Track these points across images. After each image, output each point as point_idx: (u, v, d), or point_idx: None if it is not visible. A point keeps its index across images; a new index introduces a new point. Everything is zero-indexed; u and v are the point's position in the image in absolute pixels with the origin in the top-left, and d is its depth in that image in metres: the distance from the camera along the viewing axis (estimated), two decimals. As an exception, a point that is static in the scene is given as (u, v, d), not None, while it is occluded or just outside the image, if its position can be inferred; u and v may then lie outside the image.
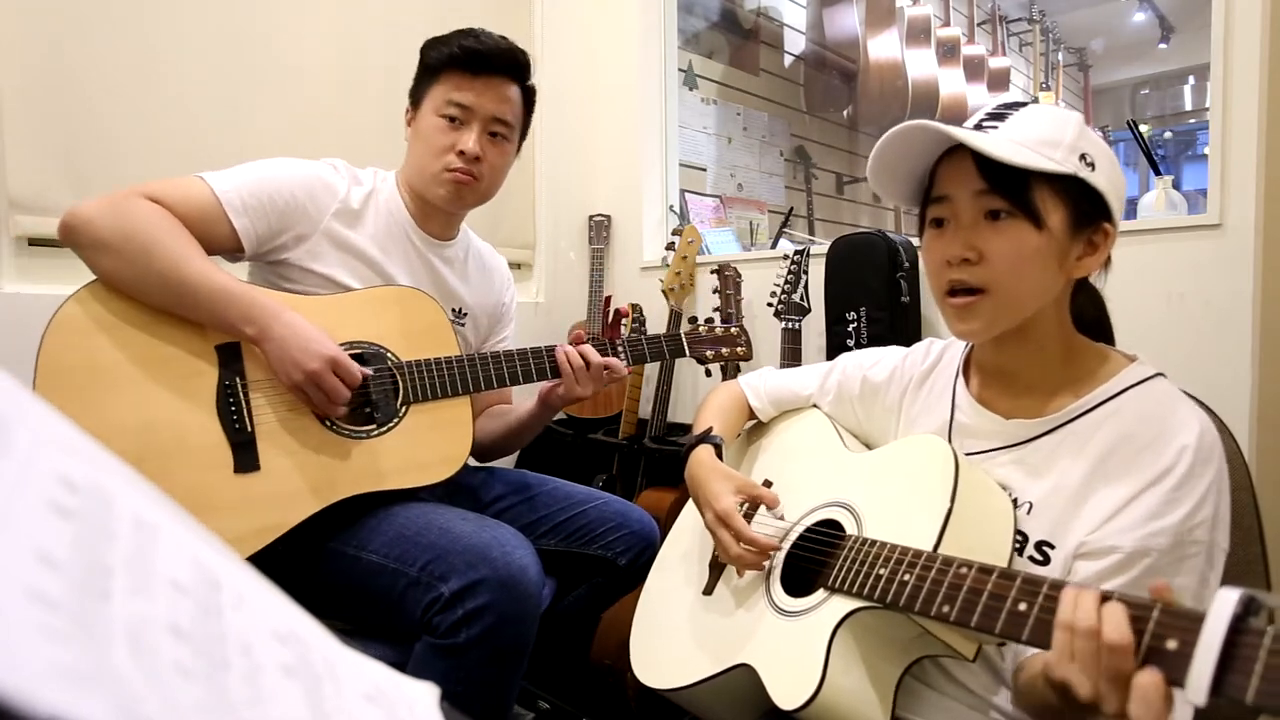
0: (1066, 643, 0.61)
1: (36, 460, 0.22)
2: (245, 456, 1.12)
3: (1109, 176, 0.83)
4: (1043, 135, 0.81)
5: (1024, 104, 0.86)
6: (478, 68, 1.29)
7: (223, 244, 1.20)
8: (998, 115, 0.85)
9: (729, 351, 1.50)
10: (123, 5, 1.68)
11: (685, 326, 1.51)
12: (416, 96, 1.35)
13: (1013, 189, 0.81)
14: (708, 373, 1.55)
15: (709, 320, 1.53)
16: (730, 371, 2.02)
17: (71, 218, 1.10)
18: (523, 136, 1.41)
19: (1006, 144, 0.80)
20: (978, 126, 0.85)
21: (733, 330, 1.51)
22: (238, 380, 1.14)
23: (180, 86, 1.77)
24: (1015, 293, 0.83)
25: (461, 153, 1.28)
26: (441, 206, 1.34)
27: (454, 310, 1.42)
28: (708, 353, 1.48)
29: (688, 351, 1.45)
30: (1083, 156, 0.81)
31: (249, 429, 1.13)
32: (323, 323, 1.18)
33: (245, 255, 1.23)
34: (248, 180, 1.21)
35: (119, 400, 1.07)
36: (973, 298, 0.84)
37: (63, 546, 0.21)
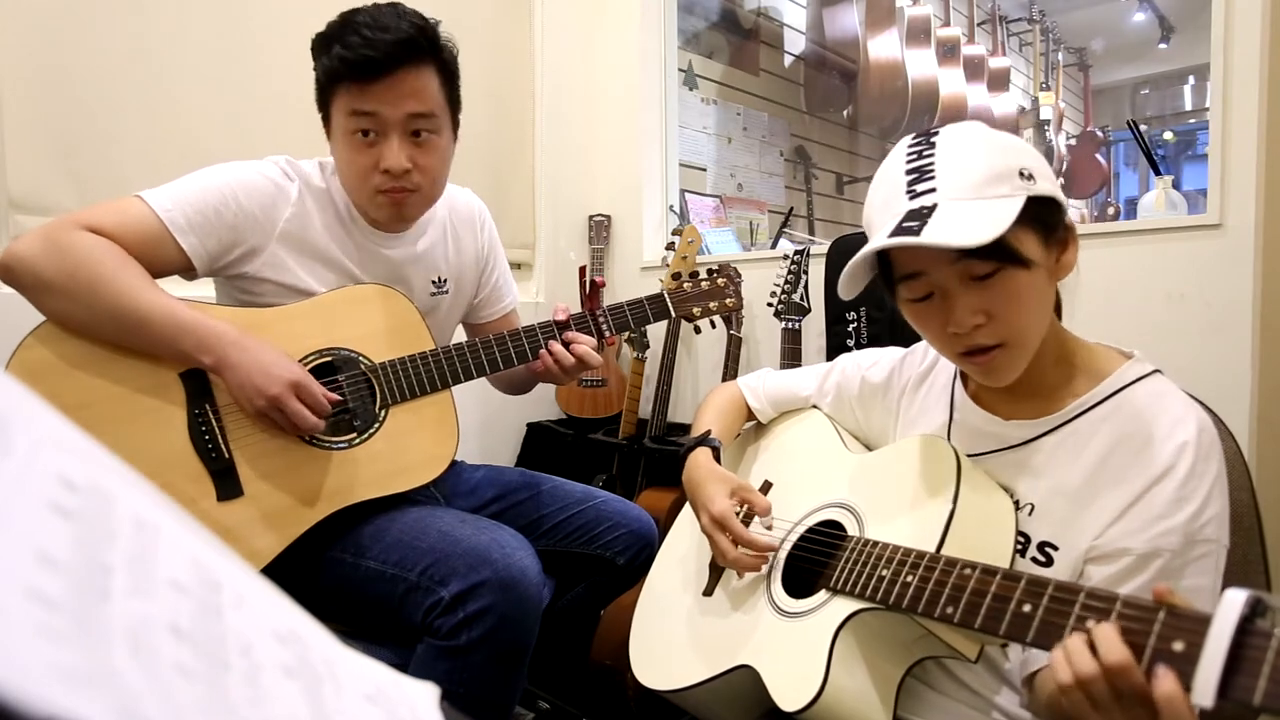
0: (1081, 699, 0.61)
1: (36, 460, 0.22)
2: (226, 484, 1.10)
3: (1045, 175, 0.80)
4: (984, 175, 0.77)
5: (933, 141, 0.81)
6: (371, 73, 1.12)
7: (172, 265, 1.14)
8: (923, 173, 0.79)
9: (717, 305, 1.36)
10: (122, 5, 1.68)
11: (668, 285, 1.37)
12: (324, 110, 1.20)
13: (989, 249, 0.75)
14: (697, 329, 1.43)
15: (693, 274, 1.39)
16: (733, 367, 2.02)
17: (9, 258, 1.05)
18: (456, 111, 1.26)
19: (963, 218, 0.75)
20: (913, 199, 0.79)
21: (719, 281, 1.37)
22: (208, 407, 1.11)
23: (179, 86, 1.77)
24: (1031, 334, 0.82)
25: (386, 171, 1.16)
26: (387, 224, 1.26)
27: (434, 280, 1.36)
28: (694, 309, 1.35)
29: (673, 311, 1.33)
30: (1022, 173, 0.78)
31: (226, 455, 1.11)
32: (289, 332, 1.14)
33: (199, 273, 1.17)
34: (189, 194, 1.13)
35: None
36: (992, 353, 0.82)
37: (63, 546, 0.21)
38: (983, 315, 0.80)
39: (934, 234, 0.74)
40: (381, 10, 1.15)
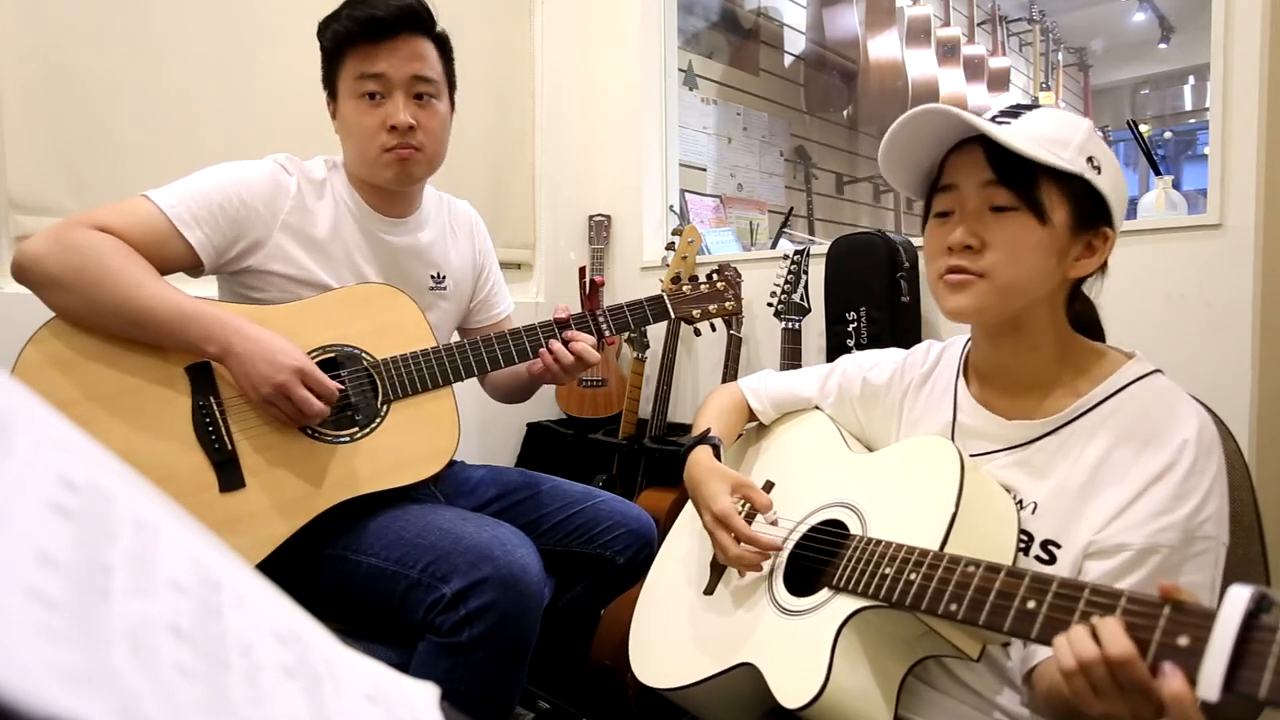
0: (1084, 686, 0.61)
1: (37, 460, 0.22)
2: (229, 475, 1.11)
3: (1113, 182, 0.84)
4: (1053, 134, 0.82)
5: (1035, 106, 0.87)
6: (378, 33, 1.21)
7: (179, 261, 1.17)
8: (1010, 113, 0.86)
9: (717, 308, 1.38)
10: (123, 6, 1.68)
11: (667, 287, 1.38)
12: (330, 85, 1.28)
13: (1020, 182, 0.82)
14: (697, 332, 1.44)
15: (693, 278, 1.40)
16: (733, 367, 2.02)
17: (21, 257, 1.08)
18: (452, 89, 1.33)
19: (1019, 137, 0.81)
20: (990, 121, 0.86)
21: (718, 285, 1.39)
22: (211, 399, 1.12)
23: (180, 86, 1.77)
24: (1010, 279, 0.84)
25: (393, 127, 1.22)
26: (393, 189, 1.30)
27: (434, 276, 1.39)
28: (694, 312, 1.37)
29: (672, 313, 1.35)
30: (1090, 159, 0.82)
31: (229, 447, 1.12)
32: (292, 329, 1.15)
33: (205, 269, 1.20)
34: (194, 192, 1.17)
35: (94, 437, 1.05)
36: (968, 277, 0.85)
37: (63, 546, 0.21)
38: (978, 240, 0.85)
39: (982, 125, 0.82)
40: None
